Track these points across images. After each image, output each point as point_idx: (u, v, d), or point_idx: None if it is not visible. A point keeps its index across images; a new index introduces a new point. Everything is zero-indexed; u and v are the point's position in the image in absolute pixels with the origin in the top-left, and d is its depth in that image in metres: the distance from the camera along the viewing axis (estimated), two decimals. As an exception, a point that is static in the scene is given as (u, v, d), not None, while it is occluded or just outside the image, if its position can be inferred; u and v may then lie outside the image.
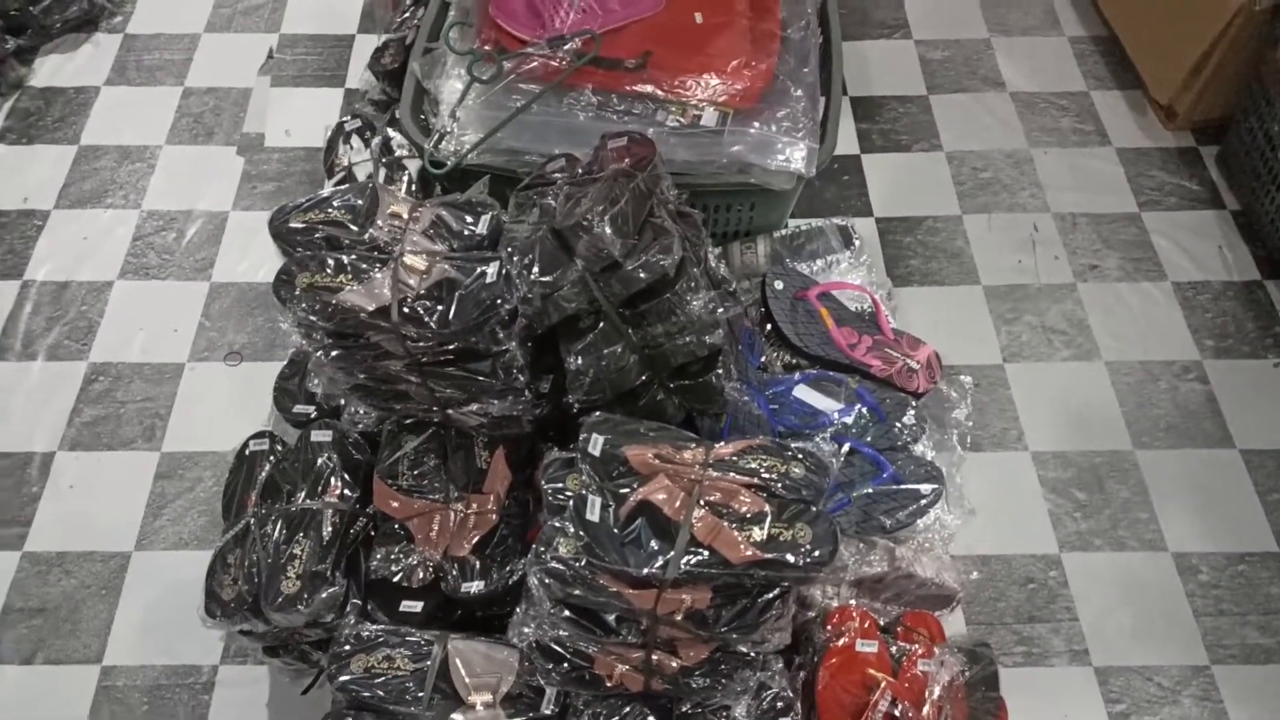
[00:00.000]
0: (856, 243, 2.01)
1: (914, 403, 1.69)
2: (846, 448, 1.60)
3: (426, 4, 2.23)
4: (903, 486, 1.59)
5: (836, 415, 1.63)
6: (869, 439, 1.62)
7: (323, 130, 2.43)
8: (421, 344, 1.34)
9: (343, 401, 1.64)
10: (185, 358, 2.11)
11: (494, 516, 1.51)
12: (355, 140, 2.01)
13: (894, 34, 2.71)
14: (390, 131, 1.99)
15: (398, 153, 1.96)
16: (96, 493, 1.93)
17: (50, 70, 2.62)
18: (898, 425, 1.64)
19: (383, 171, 1.90)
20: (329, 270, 1.34)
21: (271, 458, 1.60)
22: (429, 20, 1.93)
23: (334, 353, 1.38)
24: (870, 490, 1.58)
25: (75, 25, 2.68)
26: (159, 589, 1.81)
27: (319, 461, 1.56)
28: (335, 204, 1.41)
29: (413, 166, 1.92)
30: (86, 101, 2.56)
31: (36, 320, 2.16)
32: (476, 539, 1.49)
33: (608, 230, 1.27)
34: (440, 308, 1.32)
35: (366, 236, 1.36)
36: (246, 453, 1.63)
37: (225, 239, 2.30)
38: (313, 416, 1.68)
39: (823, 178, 2.22)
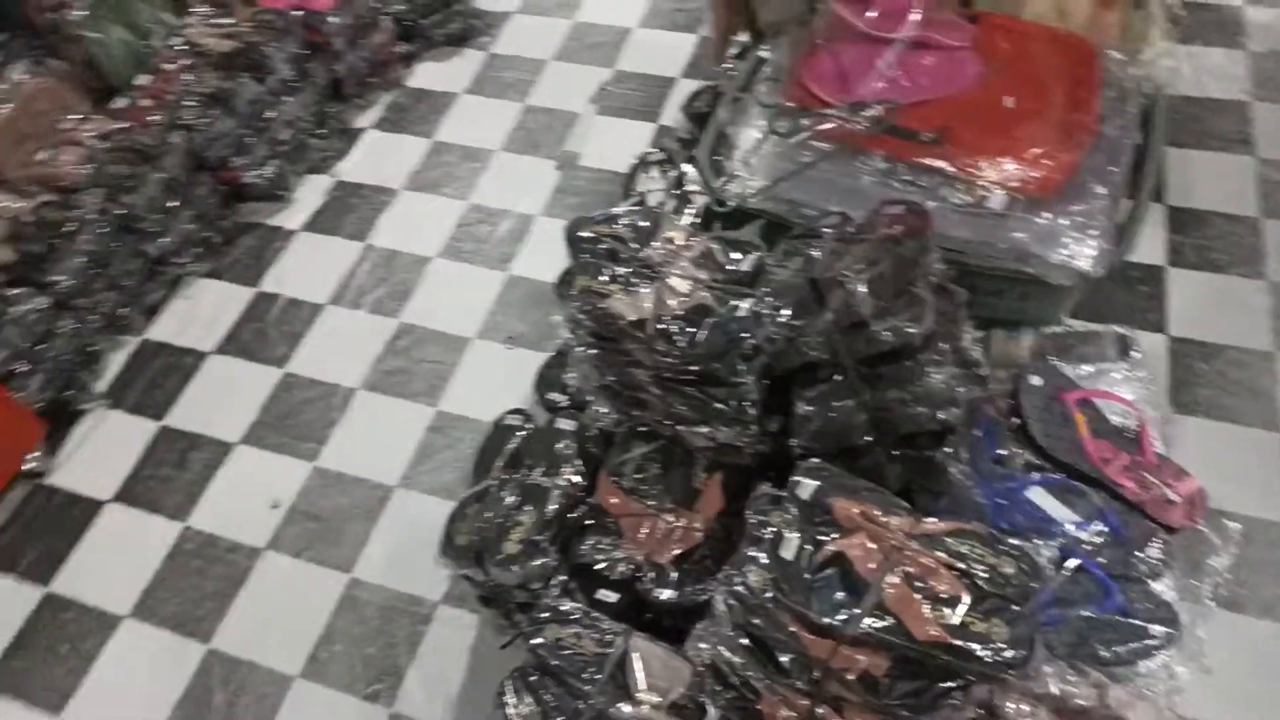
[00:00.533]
0: (1136, 356, 1.88)
1: (1164, 536, 1.55)
2: (1074, 563, 1.51)
3: (742, 56, 2.39)
4: (1130, 620, 1.47)
5: (1071, 527, 1.54)
6: (1102, 560, 1.52)
7: (630, 158, 2.68)
8: (668, 359, 1.46)
9: (590, 399, 1.80)
10: (473, 334, 2.41)
11: (699, 534, 1.59)
12: (655, 171, 2.19)
13: (1233, 148, 2.49)
14: (686, 168, 2.16)
15: (689, 187, 2.12)
16: (379, 430, 2.25)
17: (425, 75, 3.10)
18: (1138, 555, 1.52)
19: (672, 201, 2.07)
20: (604, 277, 1.49)
21: (521, 433, 1.80)
22: (744, 73, 2.08)
23: (592, 351, 1.54)
24: (1092, 614, 1.48)
25: (452, 40, 3.15)
26: (408, 524, 2.08)
27: (558, 445, 1.72)
28: (623, 221, 1.57)
29: (700, 202, 2.06)
30: (447, 105, 2.99)
31: (368, 278, 2.56)
32: (679, 551, 1.57)
33: (862, 290, 1.31)
34: (692, 330, 1.43)
35: (643, 254, 1.51)
36: (503, 423, 1.84)
37: (529, 239, 2.60)
38: (563, 405, 1.86)
39: (1115, 282, 2.09)
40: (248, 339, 2.45)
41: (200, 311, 2.53)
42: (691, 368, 1.46)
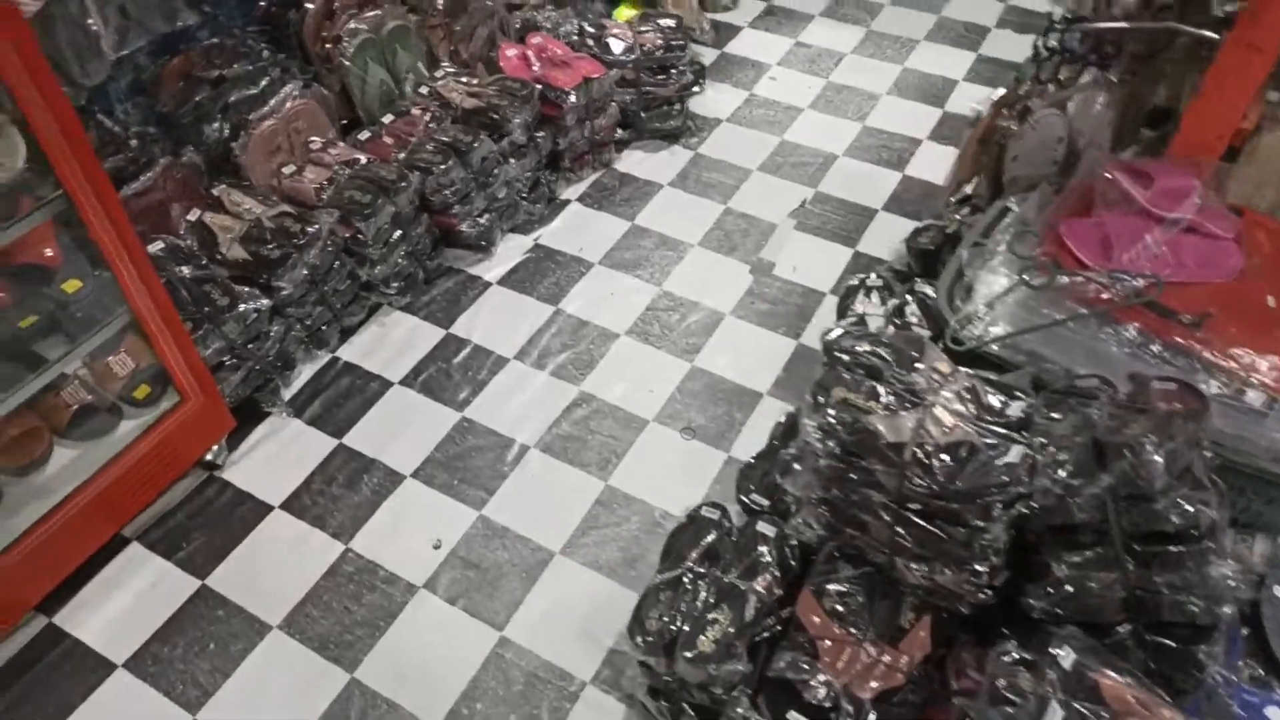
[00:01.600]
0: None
1: None
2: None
3: (971, 202, 2.42)
4: None
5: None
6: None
7: (825, 275, 2.71)
8: (917, 489, 1.42)
9: (793, 508, 1.76)
10: (651, 416, 2.41)
11: (901, 676, 1.51)
12: (875, 296, 2.20)
13: None
14: (908, 299, 2.16)
15: (909, 318, 2.12)
16: (547, 492, 2.24)
17: (631, 161, 3.22)
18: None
19: (890, 329, 2.06)
20: (864, 393, 1.48)
21: (717, 528, 1.77)
22: (986, 220, 2.09)
23: (832, 462, 1.51)
24: None
25: (664, 135, 3.27)
26: (564, 593, 2.05)
27: (759, 550, 1.69)
28: (886, 341, 1.56)
29: (920, 334, 2.05)
30: (650, 193, 3.08)
31: (554, 341, 2.60)
32: (879, 690, 1.50)
33: (1157, 461, 1.27)
34: (952, 465, 1.39)
35: (908, 379, 1.49)
36: (699, 515, 1.81)
37: (715, 335, 2.62)
38: (763, 509, 1.83)
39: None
40: (432, 377, 2.50)
41: (392, 340, 2.60)
42: (939, 502, 1.42)
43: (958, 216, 2.33)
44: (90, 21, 1.74)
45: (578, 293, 2.75)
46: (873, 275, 2.30)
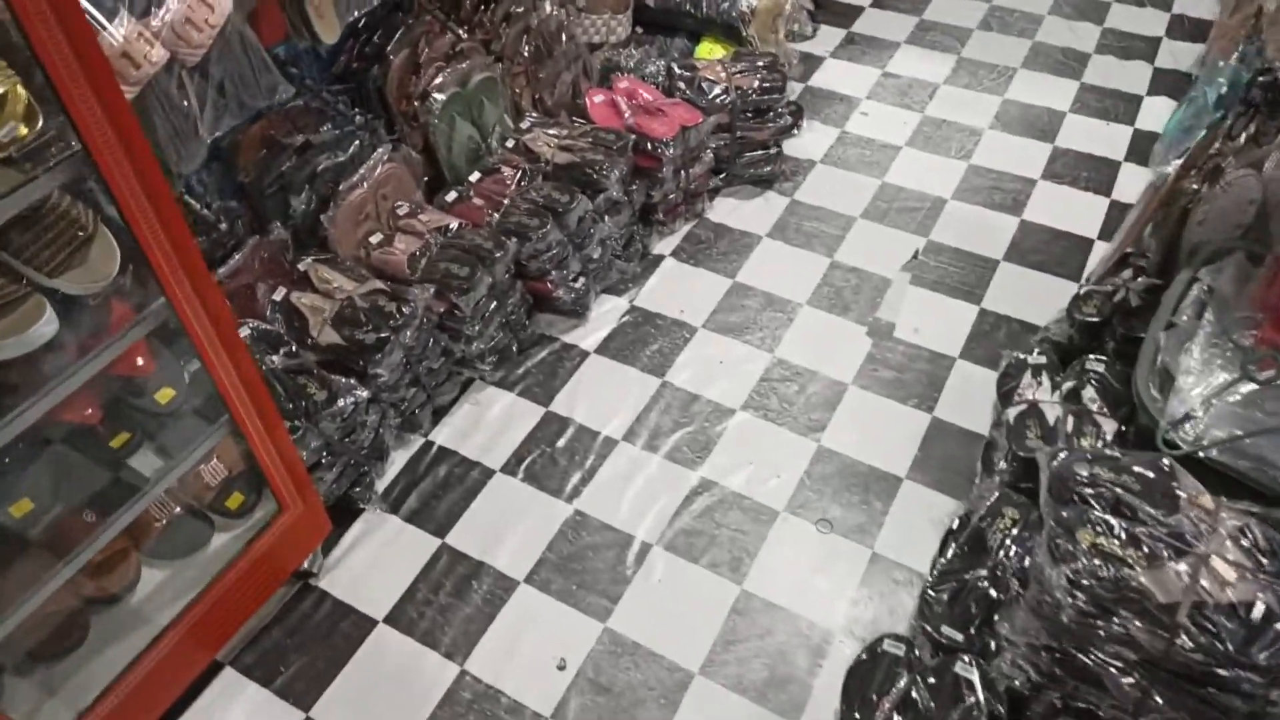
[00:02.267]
0: None
1: None
2: None
3: (1130, 262, 2.19)
4: None
5: None
6: None
7: (951, 337, 2.49)
8: (1195, 656, 1.20)
9: (994, 646, 1.54)
10: (781, 506, 2.19)
11: None
12: (1044, 378, 1.97)
13: None
14: (1088, 383, 1.93)
15: (1086, 403, 1.89)
16: (678, 599, 2.03)
17: (725, 210, 3.00)
18: None
19: (1070, 420, 1.83)
20: (1118, 538, 1.26)
21: (908, 669, 1.54)
22: (1174, 296, 1.86)
23: (1078, 616, 1.29)
24: None
25: (757, 180, 3.06)
26: (710, 724, 1.83)
27: (967, 700, 1.46)
28: (1129, 467, 1.34)
29: (1109, 429, 1.82)
30: (749, 245, 2.87)
31: (665, 419, 2.39)
32: None
33: None
34: (1243, 632, 1.17)
35: (1169, 520, 1.27)
36: (880, 650, 1.59)
37: (840, 409, 2.39)
38: (955, 644, 1.61)
39: None
40: (536, 463, 2.29)
41: (488, 420, 2.39)
42: (1220, 672, 1.20)
43: (1122, 281, 2.10)
44: (187, 103, 1.55)
45: (684, 362, 2.53)
46: (1034, 352, 2.07)
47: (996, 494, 1.75)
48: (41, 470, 1.58)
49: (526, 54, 2.75)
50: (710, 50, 3.29)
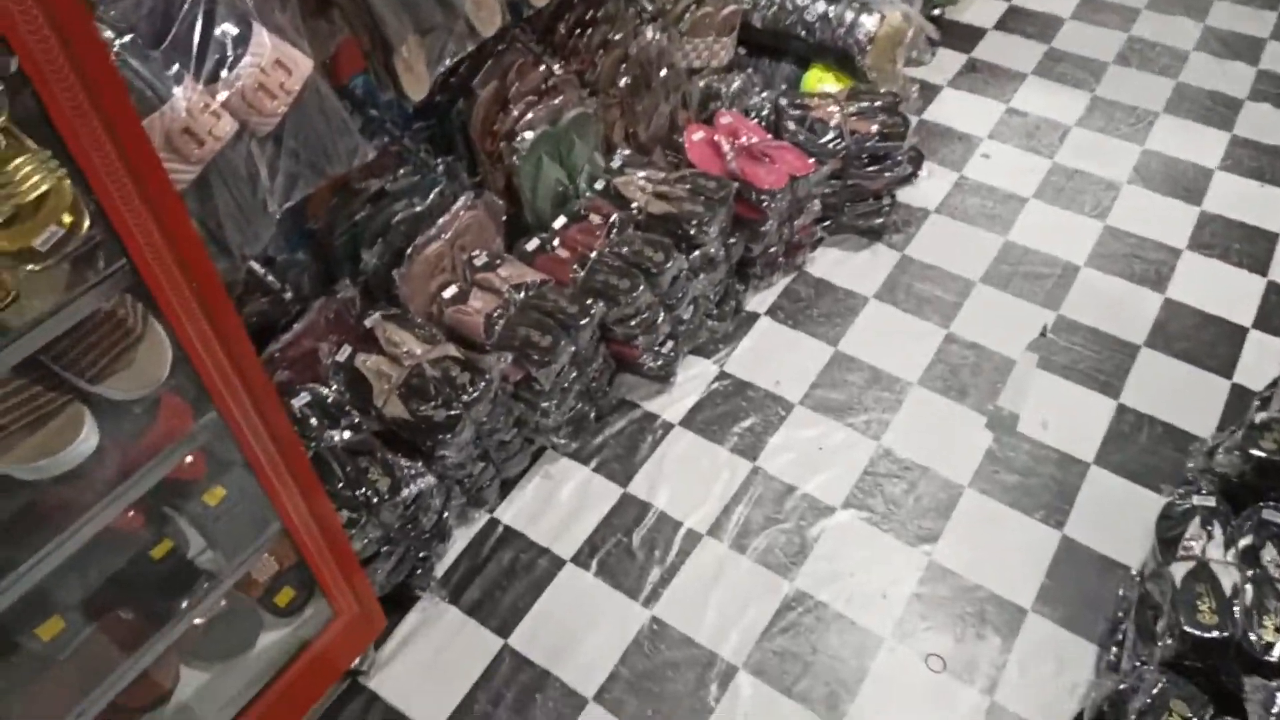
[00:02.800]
0: None
1: None
2: None
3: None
4: None
5: None
6: None
7: (1086, 437, 2.21)
8: None
9: None
10: (887, 633, 1.94)
11: None
12: (1216, 529, 1.68)
13: None
14: (1267, 540, 1.64)
15: (1268, 566, 1.60)
16: (766, 739, 1.80)
17: (827, 263, 2.73)
18: None
19: (1250, 590, 1.55)
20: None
21: None
22: (1392, 447, 1.56)
23: None
24: None
25: (864, 231, 2.78)
26: None
27: None
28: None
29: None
30: (853, 308, 2.60)
31: (756, 513, 2.15)
32: None
33: None
34: None
35: None
36: None
37: (954, 516, 2.13)
38: None
39: None
40: (611, 554, 2.07)
41: (560, 500, 2.18)
42: None
43: (1310, 411, 1.79)
44: (255, 176, 1.34)
45: (778, 444, 2.28)
46: (1200, 490, 1.78)
47: (1162, 683, 1.48)
48: (73, 584, 1.40)
49: (623, 85, 2.49)
50: (820, 79, 3.00)
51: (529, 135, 2.23)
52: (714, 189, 2.38)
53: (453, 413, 1.91)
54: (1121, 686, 1.55)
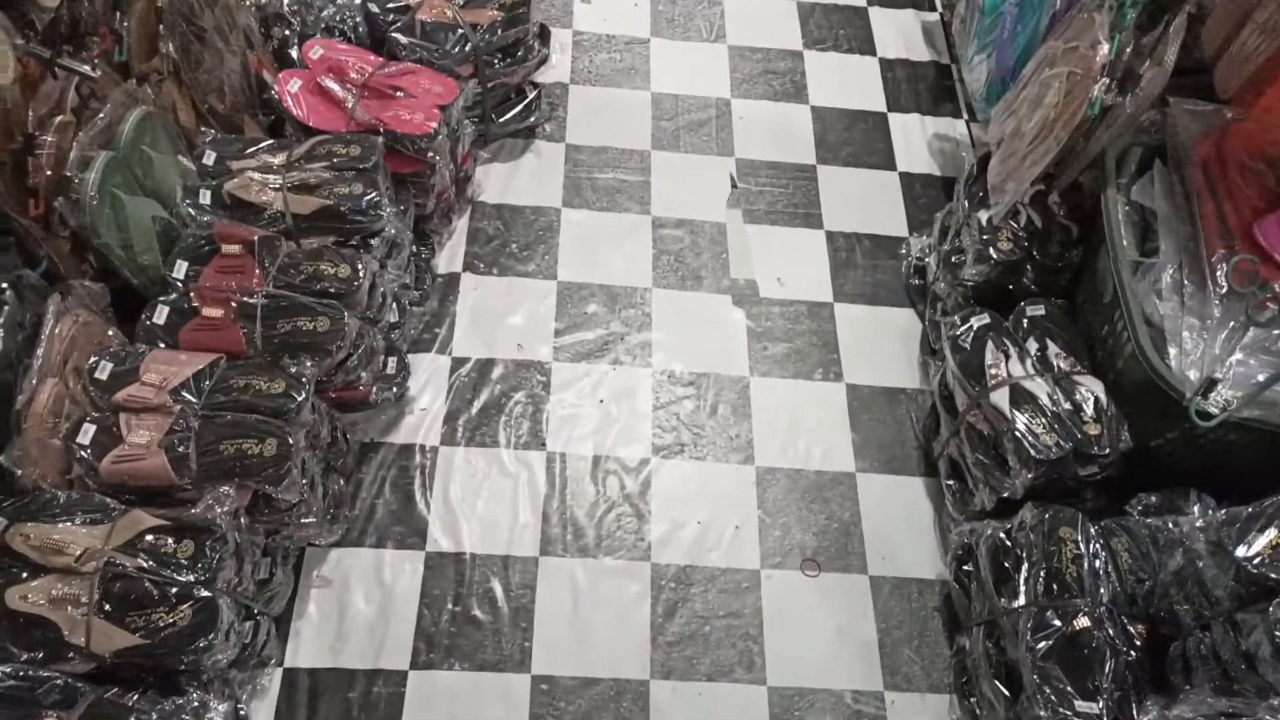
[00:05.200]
0: None
1: None
2: None
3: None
4: None
5: None
6: None
7: (817, 277, 2.24)
8: None
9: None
10: (757, 563, 1.87)
11: None
12: (1006, 344, 1.77)
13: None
14: (1045, 338, 1.77)
15: (1056, 363, 1.73)
16: (712, 735, 1.68)
17: (499, 184, 2.34)
18: None
19: (1065, 401, 1.67)
20: None
21: None
22: (1113, 223, 1.71)
23: None
24: None
25: (516, 133, 2.41)
26: None
27: None
28: None
29: (1092, 386, 1.68)
30: (551, 227, 2.28)
31: (578, 504, 1.90)
32: None
33: None
34: None
35: None
36: None
37: (754, 412, 2.06)
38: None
39: None
40: (451, 633, 1.71)
41: (355, 603, 1.73)
42: None
43: (1024, 207, 1.91)
44: None
45: (559, 418, 2.00)
46: (968, 307, 1.86)
47: (1046, 515, 1.57)
48: None
49: (171, 47, 1.79)
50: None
51: (89, 175, 1.52)
52: (360, 155, 1.85)
53: (199, 605, 1.36)
54: (1001, 527, 1.64)
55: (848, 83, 2.70)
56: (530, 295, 2.17)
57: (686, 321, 2.18)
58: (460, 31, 2.13)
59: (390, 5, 2.17)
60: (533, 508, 1.88)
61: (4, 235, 1.45)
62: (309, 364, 1.62)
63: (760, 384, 2.11)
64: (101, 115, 1.57)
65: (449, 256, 2.21)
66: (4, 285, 1.36)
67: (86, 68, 1.50)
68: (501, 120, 2.33)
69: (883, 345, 2.19)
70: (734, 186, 2.43)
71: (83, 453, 1.46)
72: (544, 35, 2.35)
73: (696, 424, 2.03)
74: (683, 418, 2.04)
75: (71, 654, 1.32)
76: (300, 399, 1.57)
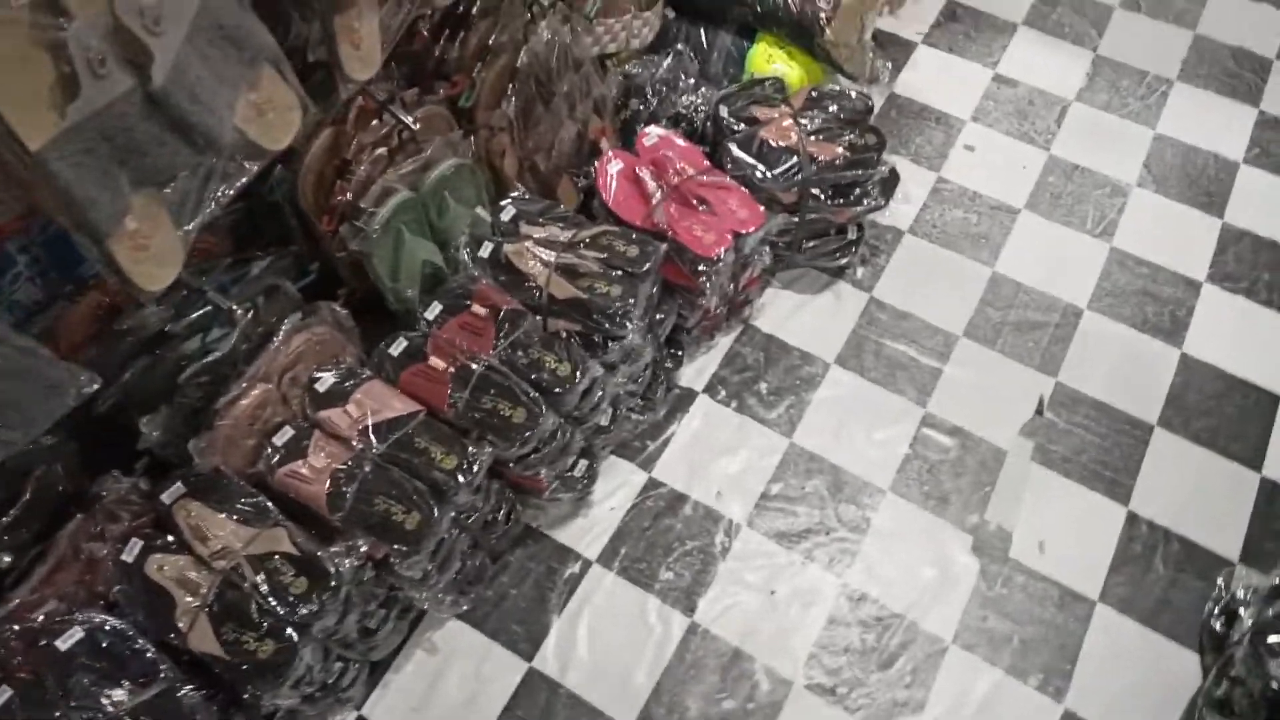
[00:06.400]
0: None
1: None
2: None
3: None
4: None
5: None
6: None
7: (1093, 561, 1.84)
8: None
9: None
10: None
11: None
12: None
13: None
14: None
15: None
16: None
17: (780, 313, 2.20)
18: None
19: None
20: None
21: None
22: None
23: None
24: None
25: (825, 268, 2.24)
26: None
27: None
28: None
29: None
30: (811, 379, 2.09)
31: (692, 694, 1.73)
32: None
33: None
34: None
35: None
36: None
37: (936, 688, 1.74)
38: None
39: None
40: (513, 763, 1.66)
41: (448, 682, 1.71)
42: None
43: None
44: None
45: (721, 587, 1.83)
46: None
47: None
48: None
49: (512, 106, 1.86)
50: (769, 57, 2.35)
51: (380, 212, 1.62)
52: (636, 258, 1.81)
53: (282, 645, 1.41)
54: None
55: (1245, 341, 2.17)
56: (756, 445, 2.01)
57: (907, 545, 1.89)
58: (796, 160, 2.00)
59: (743, 114, 2.09)
60: (650, 674, 1.74)
61: (288, 244, 1.60)
62: (487, 450, 1.61)
63: (959, 657, 1.77)
64: (415, 160, 1.66)
65: (694, 371, 2.11)
66: (252, 301, 1.48)
67: (410, 119, 1.59)
68: (809, 251, 2.17)
69: (1137, 684, 1.73)
70: (1039, 413, 2.06)
71: (272, 451, 1.57)
72: (889, 183, 2.14)
73: (863, 668, 1.76)
74: (851, 653, 1.77)
75: (173, 635, 1.43)
76: (461, 483, 1.56)
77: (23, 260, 1.36)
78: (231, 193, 1.08)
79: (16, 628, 1.33)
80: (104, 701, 1.34)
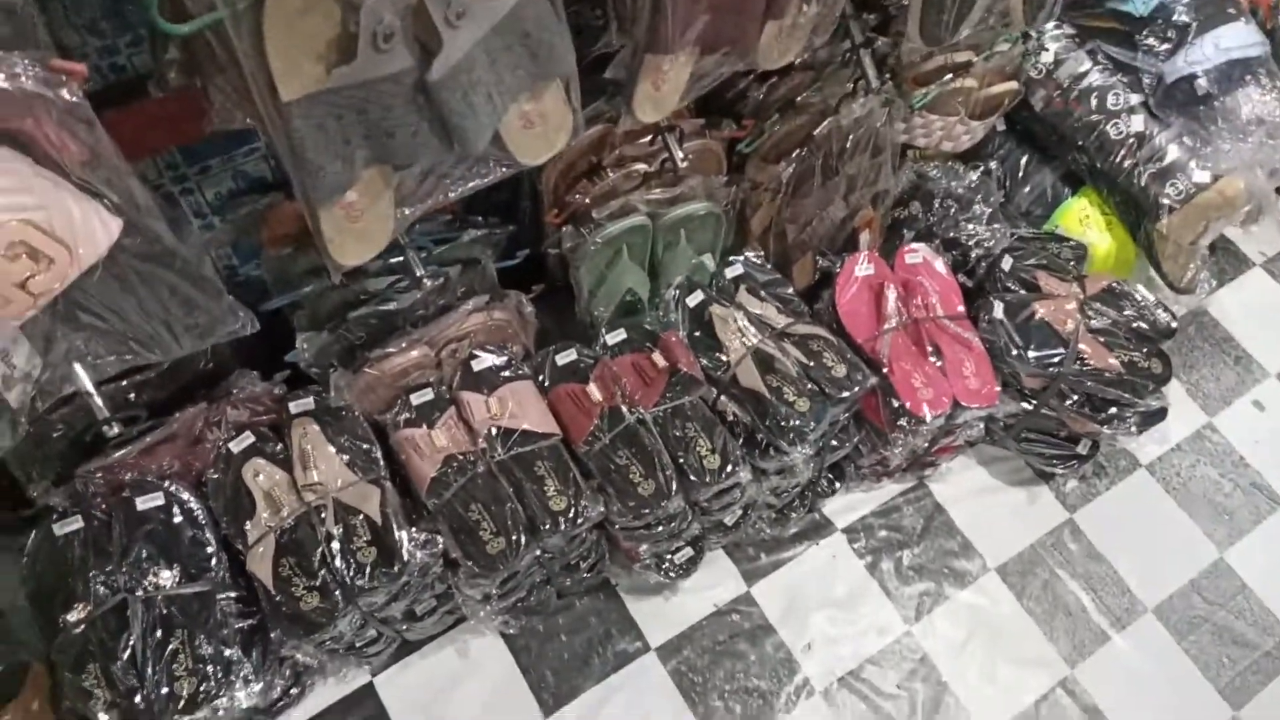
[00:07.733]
0: None
1: None
2: None
3: None
4: None
5: None
6: None
7: None
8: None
9: None
10: None
11: None
12: None
13: None
14: None
15: None
16: None
17: (959, 485, 1.96)
18: None
19: None
20: None
21: None
22: None
23: None
24: None
25: (1037, 469, 1.97)
26: None
27: None
28: None
29: None
30: (960, 576, 1.85)
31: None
32: None
33: None
34: None
35: None
36: None
37: None
38: None
39: None
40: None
41: (464, 691, 1.65)
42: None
43: None
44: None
45: (764, 745, 1.67)
46: None
47: None
48: None
49: (790, 170, 1.70)
50: (1085, 217, 2.07)
51: (611, 228, 1.52)
52: (839, 380, 1.63)
53: (325, 605, 1.37)
54: None
55: None
56: (871, 615, 1.80)
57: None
58: (1062, 353, 1.74)
59: (1026, 274, 1.84)
60: (652, 794, 1.61)
61: (512, 217, 1.53)
62: (599, 509, 1.49)
63: None
64: (668, 191, 1.54)
65: (843, 504, 1.91)
66: (447, 270, 1.42)
67: (680, 154, 1.47)
68: (1026, 444, 1.91)
69: None
70: (1196, 742, 1.74)
71: (403, 407, 1.52)
72: (1153, 418, 1.83)
73: None
74: None
75: (240, 542, 1.42)
76: (560, 530, 1.46)
77: (265, 140, 1.34)
78: (464, 192, 1.00)
79: (108, 476, 1.35)
80: (148, 580, 1.35)
